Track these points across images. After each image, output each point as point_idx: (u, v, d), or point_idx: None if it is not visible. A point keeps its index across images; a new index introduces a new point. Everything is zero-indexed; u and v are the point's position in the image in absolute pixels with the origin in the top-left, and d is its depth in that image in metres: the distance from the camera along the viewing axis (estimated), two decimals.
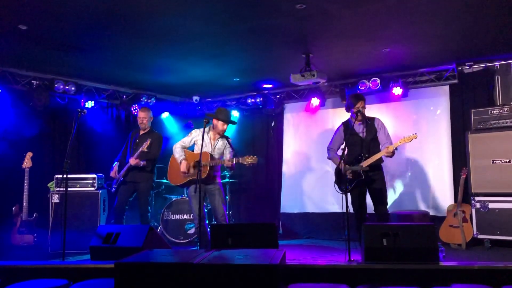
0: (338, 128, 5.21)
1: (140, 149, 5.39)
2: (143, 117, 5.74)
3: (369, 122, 4.97)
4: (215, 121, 5.08)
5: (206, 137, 5.03)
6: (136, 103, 7.45)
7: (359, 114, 4.86)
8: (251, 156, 4.72)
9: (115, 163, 5.70)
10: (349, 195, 4.66)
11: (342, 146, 4.77)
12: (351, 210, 4.58)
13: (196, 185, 4.83)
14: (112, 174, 5.64)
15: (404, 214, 5.98)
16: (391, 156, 4.72)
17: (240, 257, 2.89)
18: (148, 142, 5.36)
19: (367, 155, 4.80)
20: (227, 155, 5.10)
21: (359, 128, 4.98)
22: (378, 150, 4.85)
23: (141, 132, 5.76)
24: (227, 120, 5.10)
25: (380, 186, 4.89)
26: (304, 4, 4.18)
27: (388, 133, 4.97)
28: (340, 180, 4.89)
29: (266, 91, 7.75)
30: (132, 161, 5.45)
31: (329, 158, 5.26)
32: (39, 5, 4.16)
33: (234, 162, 4.78)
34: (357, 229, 4.73)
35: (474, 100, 6.21)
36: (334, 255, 5.24)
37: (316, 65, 5.81)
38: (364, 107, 4.94)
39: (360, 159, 4.83)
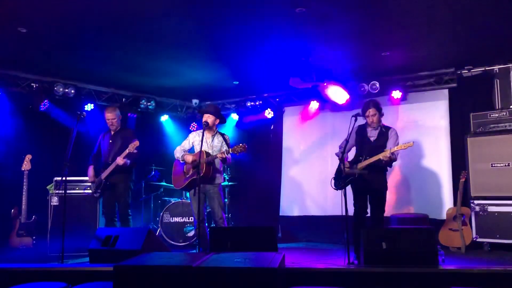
0: (353, 128, 4.99)
1: (127, 150, 5.15)
2: (112, 118, 5.44)
3: (384, 130, 4.94)
4: (205, 116, 5.10)
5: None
6: (135, 106, 7.45)
7: (369, 121, 4.91)
8: (240, 144, 4.73)
9: (90, 168, 5.51)
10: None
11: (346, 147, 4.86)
12: (350, 213, 4.57)
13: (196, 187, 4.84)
14: (90, 179, 5.47)
15: (404, 217, 5.98)
16: (389, 161, 4.67)
17: (239, 260, 2.89)
18: (136, 143, 5.13)
19: (367, 157, 4.77)
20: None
21: (371, 132, 4.98)
22: None
23: (113, 132, 5.53)
24: (215, 112, 5.11)
25: (379, 189, 4.82)
26: (304, 8, 4.19)
27: (398, 143, 4.81)
28: (338, 176, 4.91)
29: (265, 94, 7.76)
30: (120, 160, 5.19)
31: (336, 154, 5.20)
32: (39, 8, 4.17)
33: (226, 155, 4.80)
34: (353, 230, 4.68)
35: (473, 103, 6.22)
36: (333, 258, 5.24)
37: (316, 69, 5.82)
38: (374, 115, 4.88)
39: (360, 160, 4.83)
